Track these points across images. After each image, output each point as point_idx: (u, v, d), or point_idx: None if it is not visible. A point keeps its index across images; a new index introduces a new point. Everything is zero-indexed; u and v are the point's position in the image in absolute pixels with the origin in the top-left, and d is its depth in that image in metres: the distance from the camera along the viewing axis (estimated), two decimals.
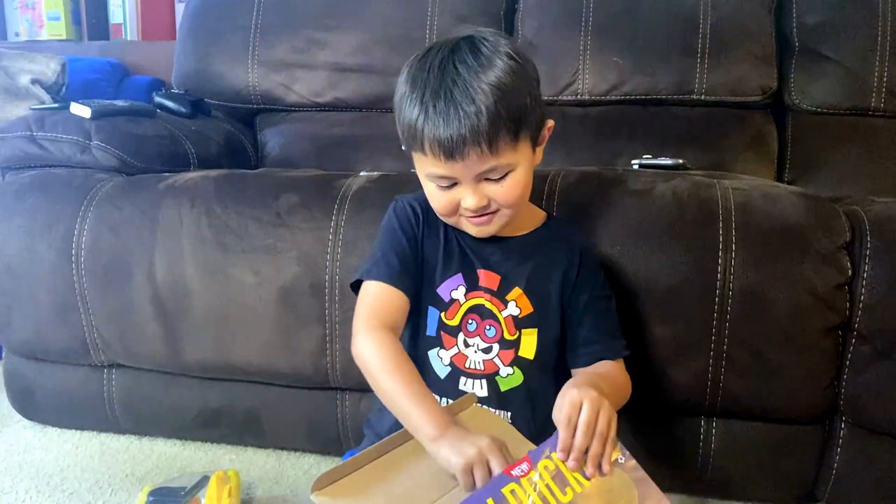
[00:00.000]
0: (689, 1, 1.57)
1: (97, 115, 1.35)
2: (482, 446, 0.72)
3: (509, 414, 0.90)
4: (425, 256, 0.92)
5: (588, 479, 0.72)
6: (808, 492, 1.13)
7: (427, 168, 0.85)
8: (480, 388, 0.90)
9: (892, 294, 0.98)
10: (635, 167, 1.39)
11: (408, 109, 0.83)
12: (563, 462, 0.72)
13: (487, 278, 0.91)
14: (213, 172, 1.29)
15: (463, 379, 0.90)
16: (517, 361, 0.91)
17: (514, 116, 0.81)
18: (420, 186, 0.90)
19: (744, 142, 1.57)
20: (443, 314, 0.91)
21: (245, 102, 1.75)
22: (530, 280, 0.92)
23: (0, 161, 1.36)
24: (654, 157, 1.42)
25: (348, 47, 1.68)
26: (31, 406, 1.39)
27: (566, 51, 1.59)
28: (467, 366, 0.91)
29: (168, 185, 1.23)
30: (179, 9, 2.31)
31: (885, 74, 1.49)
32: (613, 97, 1.59)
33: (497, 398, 0.90)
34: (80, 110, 1.36)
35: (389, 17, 1.66)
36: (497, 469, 0.71)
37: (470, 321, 0.91)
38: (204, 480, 1.12)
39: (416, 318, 0.92)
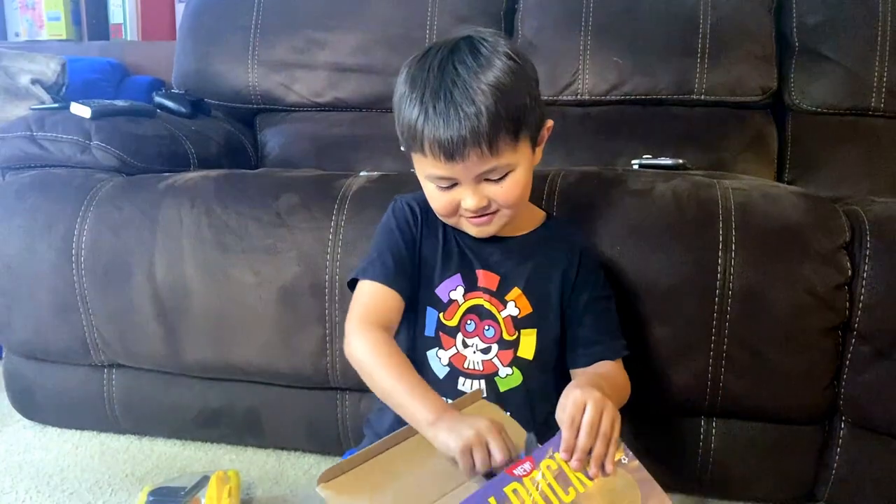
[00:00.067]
0: (689, 1, 1.57)
1: (97, 115, 1.35)
2: (480, 428, 0.72)
3: (508, 414, 0.90)
4: (423, 257, 0.92)
5: (591, 479, 0.72)
6: (807, 492, 1.13)
7: (427, 169, 0.85)
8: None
9: (892, 294, 0.98)
10: (635, 167, 1.39)
11: (407, 110, 0.83)
12: (565, 462, 0.72)
13: (486, 279, 0.91)
14: (213, 172, 1.29)
15: (462, 379, 0.90)
16: (516, 362, 0.91)
17: (513, 117, 0.81)
18: (420, 187, 0.90)
19: (744, 142, 1.57)
20: (441, 314, 0.91)
21: (245, 102, 1.75)
22: (530, 280, 0.92)
23: (0, 161, 1.36)
24: (654, 157, 1.42)
25: (348, 47, 1.68)
26: (31, 406, 1.39)
27: (566, 51, 1.59)
28: (466, 366, 0.91)
29: (168, 185, 1.23)
30: (179, 9, 2.31)
31: (885, 74, 1.49)
32: (613, 97, 1.59)
33: (496, 398, 0.90)
34: (80, 110, 1.36)
35: (389, 17, 1.66)
36: (496, 450, 0.70)
37: (469, 321, 0.91)
38: (204, 480, 1.12)
39: (414, 319, 0.92)
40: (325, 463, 1.27)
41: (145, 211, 1.20)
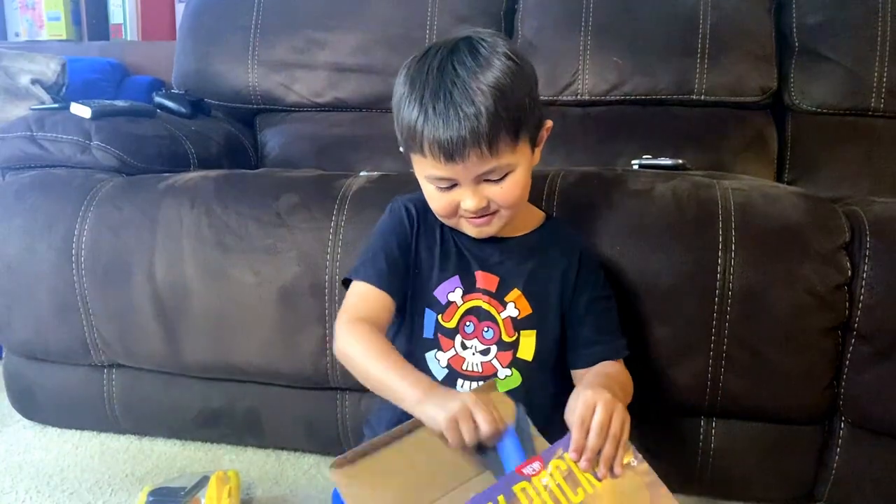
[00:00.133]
0: (689, 1, 1.57)
1: (97, 116, 1.35)
2: (466, 401, 0.72)
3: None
4: (420, 258, 0.92)
5: (599, 480, 0.72)
6: (807, 492, 1.13)
7: (426, 170, 0.85)
8: None
9: (892, 294, 0.98)
10: (635, 167, 1.39)
11: (407, 111, 0.82)
12: (575, 463, 0.72)
13: (485, 280, 0.91)
14: (213, 172, 1.29)
15: (460, 381, 0.90)
16: (515, 363, 0.91)
17: (513, 117, 0.81)
18: (419, 187, 0.90)
19: (743, 142, 1.57)
20: (439, 316, 0.91)
21: (245, 102, 1.75)
22: (529, 281, 0.92)
23: (0, 161, 1.36)
24: (654, 157, 1.42)
25: (348, 47, 1.68)
26: (31, 406, 1.39)
27: (566, 51, 1.59)
28: (465, 368, 0.90)
29: (168, 185, 1.23)
30: (179, 9, 2.31)
31: (885, 74, 1.49)
32: (613, 97, 1.59)
33: None
34: (80, 110, 1.36)
35: (389, 18, 1.66)
36: (482, 422, 0.71)
37: (467, 323, 0.91)
38: (204, 480, 1.12)
39: (412, 321, 0.92)
40: (325, 463, 1.27)
41: (145, 211, 1.20)
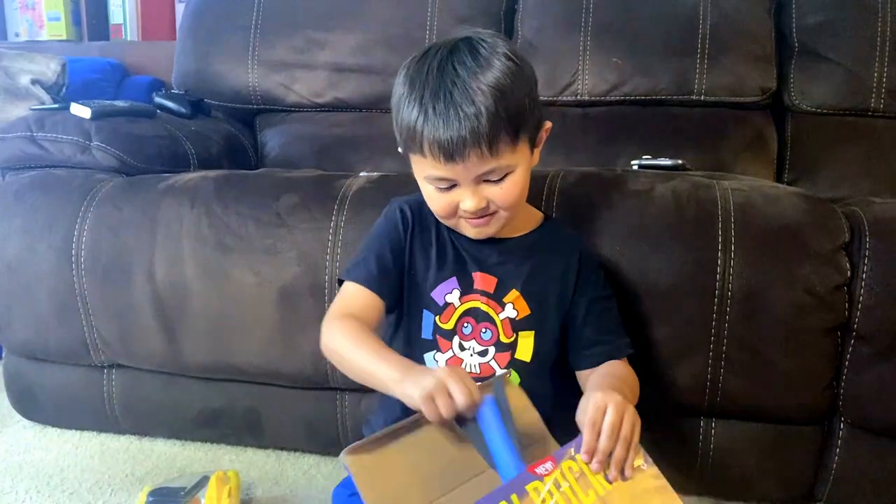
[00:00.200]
0: (689, 1, 1.57)
1: (97, 116, 1.35)
2: (440, 375, 0.72)
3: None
4: (415, 260, 0.92)
5: (610, 482, 0.72)
6: (807, 492, 1.13)
7: (426, 170, 0.85)
8: None
9: (891, 294, 0.98)
10: (635, 168, 1.39)
11: (406, 111, 0.82)
12: (586, 464, 0.72)
13: (483, 281, 0.91)
14: (212, 173, 1.29)
15: None
16: (514, 364, 0.91)
17: (513, 117, 0.81)
18: (419, 188, 0.90)
19: (743, 142, 1.57)
20: (437, 317, 0.91)
21: (245, 103, 1.75)
22: (527, 282, 0.92)
23: (0, 161, 1.36)
24: (654, 157, 1.42)
25: (348, 47, 1.68)
26: (31, 406, 1.39)
27: (566, 51, 1.59)
28: (463, 369, 0.91)
29: (168, 185, 1.24)
30: (179, 9, 2.31)
31: (885, 75, 1.49)
32: (613, 98, 1.59)
33: None
34: (80, 111, 1.36)
35: (389, 18, 1.66)
36: (458, 395, 0.71)
37: (465, 324, 0.91)
38: (204, 480, 1.12)
39: (409, 322, 0.92)
40: (324, 463, 1.27)
41: (145, 211, 1.20)
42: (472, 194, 0.84)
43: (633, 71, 1.57)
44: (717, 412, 1.09)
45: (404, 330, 0.93)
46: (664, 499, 0.73)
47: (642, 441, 0.75)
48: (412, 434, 0.74)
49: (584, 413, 0.75)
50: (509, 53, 0.83)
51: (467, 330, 0.91)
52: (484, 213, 0.86)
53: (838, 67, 1.52)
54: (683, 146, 1.54)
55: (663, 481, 0.74)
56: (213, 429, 1.31)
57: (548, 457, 0.72)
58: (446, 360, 0.91)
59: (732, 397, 1.05)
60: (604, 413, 0.74)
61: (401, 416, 0.84)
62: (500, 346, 0.91)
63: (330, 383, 1.19)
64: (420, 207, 0.93)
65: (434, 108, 0.80)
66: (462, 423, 0.73)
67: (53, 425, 1.40)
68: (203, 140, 1.52)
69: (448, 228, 0.93)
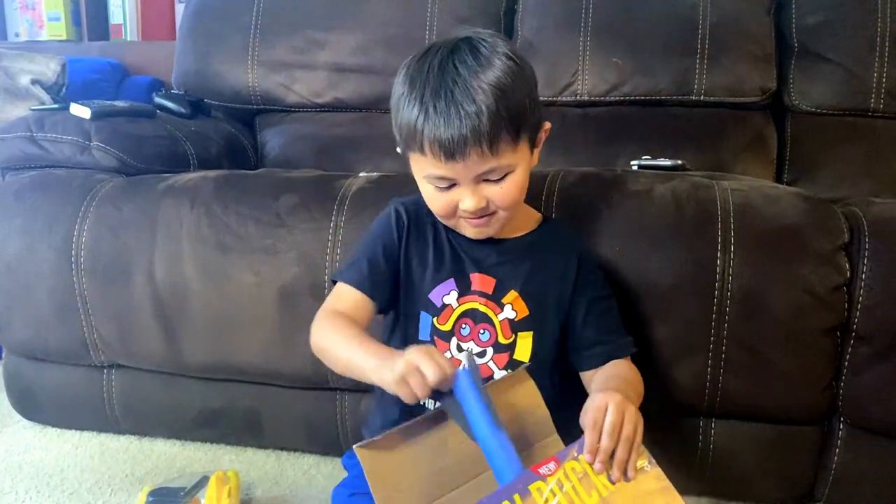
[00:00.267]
0: (689, 1, 1.57)
1: (97, 116, 1.35)
2: (410, 357, 0.72)
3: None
4: (411, 262, 0.92)
5: (613, 483, 0.72)
6: (806, 492, 1.13)
7: (426, 169, 0.85)
8: None
9: (891, 295, 0.98)
10: (634, 168, 1.39)
11: (406, 109, 0.82)
12: (589, 465, 0.72)
13: (482, 282, 0.91)
14: (212, 173, 1.29)
15: None
16: (512, 365, 0.90)
17: (514, 117, 0.81)
18: (418, 188, 0.90)
19: (743, 142, 1.57)
20: (435, 319, 0.91)
21: (245, 103, 1.75)
22: (526, 282, 0.91)
23: (0, 161, 1.36)
24: (654, 157, 1.42)
25: (348, 47, 1.68)
26: (31, 406, 1.39)
27: (566, 51, 1.59)
28: None
29: (168, 185, 1.24)
30: (179, 9, 2.30)
31: (885, 75, 1.49)
32: (613, 98, 1.59)
33: None
34: (80, 111, 1.36)
35: (389, 18, 1.66)
36: (428, 371, 0.71)
37: (463, 326, 0.91)
38: (204, 480, 1.12)
39: (407, 323, 0.92)
40: (324, 463, 1.27)
41: (145, 211, 1.20)
42: (471, 194, 0.84)
43: (633, 71, 1.57)
44: (717, 412, 1.09)
45: (401, 331, 0.93)
46: (667, 500, 0.73)
47: (643, 441, 0.76)
48: (422, 433, 0.74)
49: (585, 413, 0.75)
50: (510, 53, 0.83)
51: (465, 331, 0.91)
52: (483, 214, 0.86)
53: (838, 67, 1.52)
54: (683, 146, 1.54)
55: (666, 482, 0.74)
56: (213, 429, 1.31)
57: (551, 457, 0.72)
58: None
59: (732, 397, 1.05)
60: (605, 413, 0.74)
61: (399, 417, 0.85)
62: (498, 348, 0.90)
63: (330, 383, 1.19)
64: (417, 209, 0.93)
65: (435, 106, 0.80)
66: (441, 399, 0.73)
67: (53, 425, 1.40)
68: (203, 140, 1.52)
69: (446, 229, 0.93)
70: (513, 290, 0.91)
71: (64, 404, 1.37)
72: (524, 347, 0.91)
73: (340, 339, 0.85)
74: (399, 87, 0.85)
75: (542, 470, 0.71)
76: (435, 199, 0.87)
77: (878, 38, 1.50)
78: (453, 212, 0.87)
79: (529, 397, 0.80)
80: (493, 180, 0.84)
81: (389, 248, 0.92)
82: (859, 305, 1.00)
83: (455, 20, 1.62)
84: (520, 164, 0.85)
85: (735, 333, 1.01)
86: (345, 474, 1.00)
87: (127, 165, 1.33)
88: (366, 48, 1.67)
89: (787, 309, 1.00)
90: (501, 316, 0.91)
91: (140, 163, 1.34)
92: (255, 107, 1.76)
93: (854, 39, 1.51)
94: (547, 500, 0.69)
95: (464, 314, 0.91)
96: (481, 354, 0.90)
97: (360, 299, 0.91)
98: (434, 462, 0.74)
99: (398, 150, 0.89)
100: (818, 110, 1.56)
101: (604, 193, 1.09)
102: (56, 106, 1.47)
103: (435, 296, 0.91)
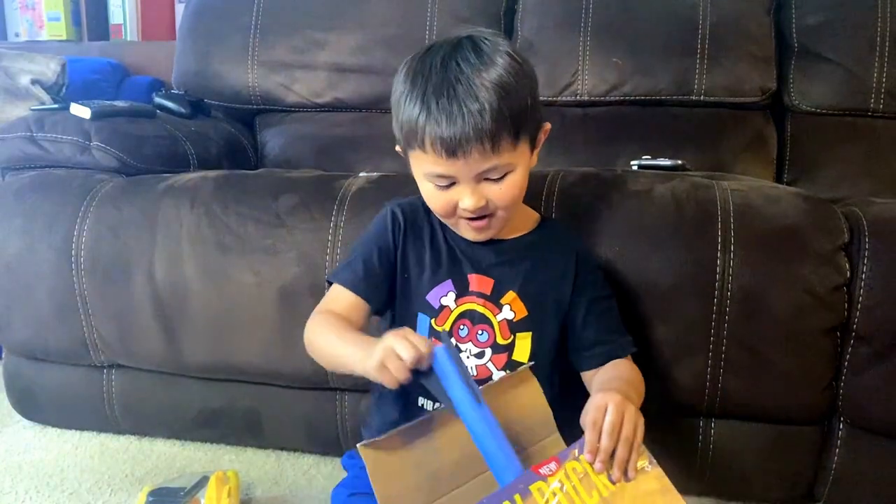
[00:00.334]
0: (689, 1, 1.57)
1: (97, 116, 1.35)
2: (386, 342, 0.73)
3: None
4: (408, 263, 0.92)
5: (614, 483, 0.72)
6: (806, 492, 1.13)
7: (426, 167, 0.84)
8: None
9: (891, 295, 0.98)
10: (634, 168, 1.39)
11: (408, 106, 0.82)
12: (590, 465, 0.72)
13: (480, 283, 0.91)
14: (212, 173, 1.29)
15: None
16: (510, 366, 0.90)
17: (515, 116, 0.81)
18: (418, 189, 0.90)
19: (743, 143, 1.57)
20: (433, 320, 0.91)
21: (245, 103, 1.75)
22: (525, 283, 0.91)
23: (0, 161, 1.36)
24: (653, 157, 1.42)
25: (348, 47, 1.68)
26: (31, 406, 1.39)
27: (566, 51, 1.59)
28: None
29: (168, 185, 1.24)
30: (179, 9, 2.31)
31: (885, 75, 1.49)
32: (613, 98, 1.59)
33: None
34: (80, 111, 1.36)
35: (389, 18, 1.66)
36: (404, 352, 0.71)
37: (461, 327, 0.90)
38: (203, 480, 1.12)
39: (404, 324, 0.92)
40: (324, 463, 1.27)
41: (145, 211, 1.20)
42: (471, 192, 0.83)
43: (633, 71, 1.57)
44: (717, 412, 1.09)
45: None
46: (667, 500, 0.73)
47: (643, 441, 0.76)
48: (425, 433, 0.74)
49: (586, 413, 0.75)
50: (512, 52, 0.83)
51: (463, 332, 0.91)
52: (483, 214, 0.86)
53: (838, 68, 1.52)
54: (683, 146, 1.54)
55: (667, 483, 0.74)
56: (212, 429, 1.31)
57: (552, 457, 0.72)
58: None
59: (732, 397, 1.05)
60: (604, 412, 0.74)
61: (398, 417, 0.85)
62: (496, 348, 0.90)
63: (330, 383, 1.19)
64: (413, 210, 0.93)
65: (437, 103, 0.79)
66: (423, 379, 0.74)
67: (53, 425, 1.40)
68: (203, 140, 1.52)
69: (444, 230, 0.92)
70: (511, 291, 0.91)
71: (64, 404, 1.37)
72: (523, 348, 0.91)
73: (328, 336, 0.86)
74: (400, 84, 0.84)
75: (543, 470, 0.71)
76: (434, 198, 0.87)
77: (878, 38, 1.50)
78: (453, 211, 0.86)
79: (532, 396, 0.80)
80: (493, 179, 0.84)
81: (385, 250, 0.92)
82: (859, 305, 1.00)
83: (455, 20, 1.62)
84: (520, 163, 0.85)
85: (735, 333, 1.01)
86: (344, 474, 1.00)
87: (127, 165, 1.33)
88: (366, 48, 1.67)
89: (787, 309, 1.00)
90: (500, 317, 0.91)
91: (140, 163, 1.34)
92: (255, 107, 1.76)
93: (854, 39, 1.51)
94: (548, 501, 0.69)
95: (462, 315, 0.91)
96: (480, 355, 0.90)
97: (355, 301, 0.91)
98: (436, 461, 0.74)
99: (397, 148, 0.89)
100: (818, 110, 1.56)
101: (604, 193, 1.09)
102: (56, 106, 1.48)
103: (432, 297, 0.91)
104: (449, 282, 0.91)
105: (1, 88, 1.70)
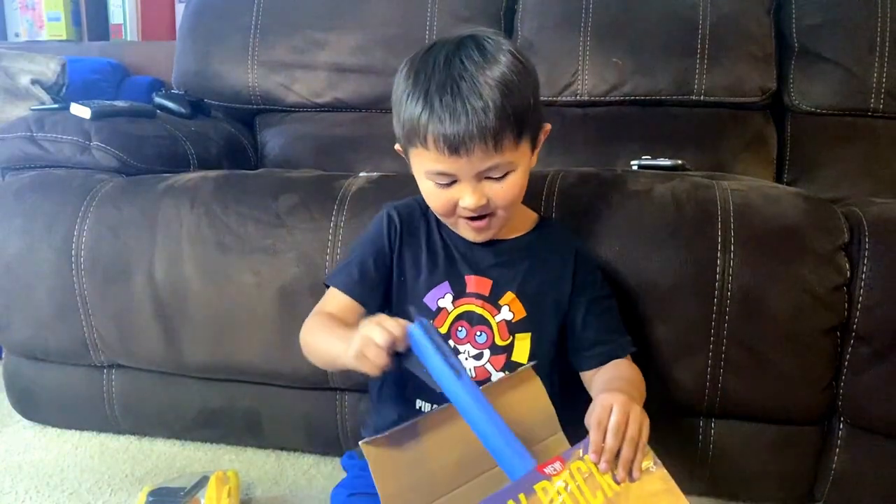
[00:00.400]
0: (689, 1, 1.57)
1: (97, 116, 1.35)
2: (361, 332, 0.74)
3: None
4: (405, 266, 0.92)
5: (618, 483, 0.72)
6: (806, 492, 1.13)
7: (427, 164, 0.84)
8: None
9: (891, 295, 0.98)
10: (634, 168, 1.39)
11: (410, 104, 0.82)
12: (595, 465, 0.72)
13: (478, 284, 0.91)
14: (212, 173, 1.29)
15: None
16: (509, 366, 0.90)
17: (518, 114, 0.81)
18: (417, 189, 0.90)
19: (743, 143, 1.57)
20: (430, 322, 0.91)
21: (245, 103, 1.75)
22: (523, 284, 0.91)
23: (0, 161, 1.36)
24: (653, 157, 1.42)
25: (348, 47, 1.68)
26: (31, 406, 1.39)
27: (565, 51, 1.59)
28: None
29: (168, 185, 1.24)
30: (179, 9, 2.31)
31: (885, 75, 1.49)
32: (613, 98, 1.59)
33: None
34: (80, 111, 1.36)
35: (389, 18, 1.66)
36: (379, 338, 0.71)
37: (459, 328, 0.90)
38: (203, 480, 1.12)
39: None
40: (324, 463, 1.27)
41: (145, 211, 1.20)
42: (472, 191, 0.83)
43: (633, 71, 1.57)
44: (717, 412, 1.09)
45: None
46: (672, 501, 0.73)
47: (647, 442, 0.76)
48: (427, 430, 0.74)
49: (590, 414, 0.75)
50: (514, 51, 0.83)
51: (461, 334, 0.90)
52: (483, 213, 0.85)
53: (838, 68, 1.52)
54: (683, 146, 1.54)
55: (672, 484, 0.74)
56: (212, 429, 1.31)
57: (556, 457, 0.72)
58: None
59: (732, 397, 1.05)
60: (609, 413, 0.74)
61: (397, 418, 0.85)
62: (495, 349, 0.90)
63: (330, 383, 1.19)
64: (410, 212, 0.93)
65: (441, 100, 0.79)
66: (405, 361, 0.74)
67: (53, 425, 1.40)
68: (203, 140, 1.52)
69: (441, 231, 0.92)
70: (510, 292, 0.91)
71: (64, 404, 1.37)
72: (522, 349, 0.91)
73: (319, 335, 0.87)
74: (402, 82, 0.84)
75: (548, 470, 0.70)
76: (434, 197, 0.87)
77: (878, 38, 1.50)
78: (452, 210, 0.86)
79: (535, 395, 0.80)
80: (495, 178, 0.83)
81: (380, 253, 0.93)
82: (859, 305, 1.00)
83: (455, 20, 1.62)
84: (521, 163, 0.85)
85: (735, 333, 1.01)
86: (344, 475, 1.00)
87: (127, 165, 1.33)
88: (366, 48, 1.67)
89: (787, 309, 1.00)
90: (498, 317, 0.90)
91: (140, 163, 1.34)
92: (255, 107, 1.76)
93: (854, 39, 1.51)
94: (552, 500, 0.69)
95: (460, 317, 0.90)
96: (478, 357, 0.90)
97: (350, 304, 0.91)
98: (439, 459, 0.74)
99: (396, 147, 0.89)
100: (818, 110, 1.56)
101: (604, 193, 1.09)
102: (56, 106, 1.48)
103: (429, 299, 0.91)
104: (446, 283, 0.91)
105: (1, 88, 1.70)
